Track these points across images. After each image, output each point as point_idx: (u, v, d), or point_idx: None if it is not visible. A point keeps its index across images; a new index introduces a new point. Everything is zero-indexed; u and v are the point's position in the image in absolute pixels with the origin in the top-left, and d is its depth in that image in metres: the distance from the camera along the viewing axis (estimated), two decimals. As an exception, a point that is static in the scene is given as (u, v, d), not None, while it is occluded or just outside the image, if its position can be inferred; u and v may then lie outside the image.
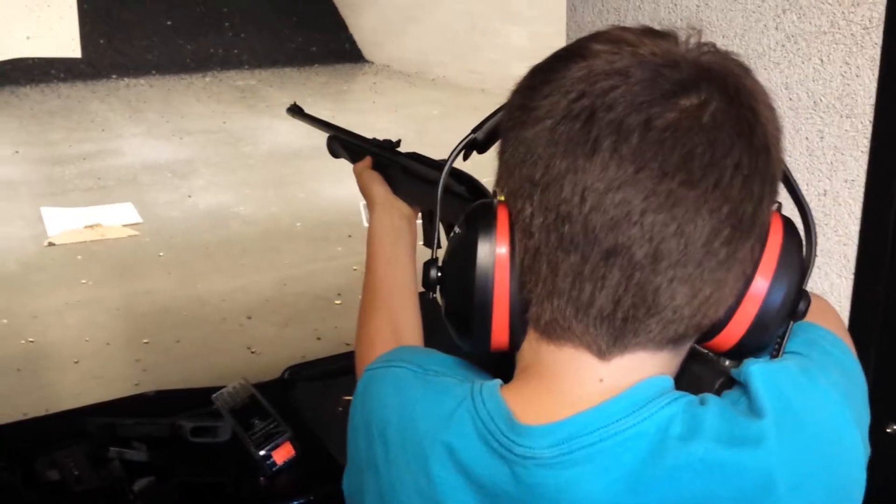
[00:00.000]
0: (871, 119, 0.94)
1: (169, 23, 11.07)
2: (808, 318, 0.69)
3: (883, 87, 0.92)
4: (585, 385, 0.56)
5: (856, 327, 1.00)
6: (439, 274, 0.62)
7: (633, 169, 0.52)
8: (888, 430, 0.97)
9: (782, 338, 0.62)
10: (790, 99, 1.03)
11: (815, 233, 0.65)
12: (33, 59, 9.96)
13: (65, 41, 4.32)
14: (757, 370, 0.57)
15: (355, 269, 4.02)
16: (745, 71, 0.58)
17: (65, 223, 4.90)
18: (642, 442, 0.54)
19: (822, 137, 1.00)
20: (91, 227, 4.85)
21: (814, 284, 1.05)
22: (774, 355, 0.61)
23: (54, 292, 4.02)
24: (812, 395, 0.58)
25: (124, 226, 4.91)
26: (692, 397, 0.56)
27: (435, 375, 0.63)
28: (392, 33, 10.70)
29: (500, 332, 0.58)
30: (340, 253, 4.41)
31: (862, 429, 0.60)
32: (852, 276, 1.00)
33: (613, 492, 0.53)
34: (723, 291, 0.56)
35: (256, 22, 11.25)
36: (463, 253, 0.58)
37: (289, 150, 6.58)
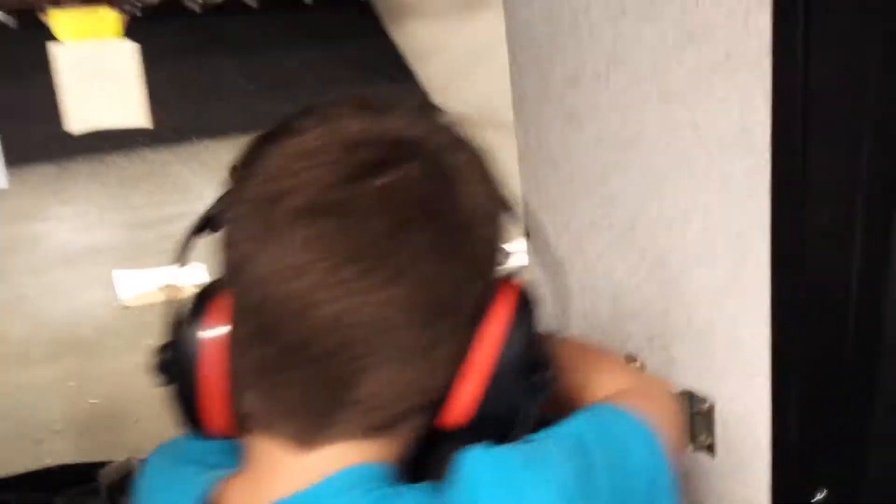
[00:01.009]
0: (770, 156, 0.89)
1: (247, 85, 11.57)
2: (629, 399, 0.67)
3: (776, 120, 0.87)
4: (283, 476, 0.55)
5: (777, 380, 0.93)
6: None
7: (314, 256, 0.51)
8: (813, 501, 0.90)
9: (526, 417, 0.59)
10: (699, 137, 0.98)
11: (566, 299, 0.62)
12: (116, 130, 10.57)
13: (133, 112, 4.54)
14: (469, 457, 0.54)
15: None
16: (460, 145, 0.56)
17: (139, 285, 5.12)
18: None
19: (731, 177, 0.95)
20: (166, 288, 5.04)
21: (733, 333, 1.00)
22: (517, 437, 0.59)
23: (124, 354, 4.19)
24: (519, 490, 0.54)
25: (196, 286, 5.07)
26: (389, 489, 0.54)
27: (184, 464, 0.62)
28: (459, 78, 10.84)
29: (213, 419, 0.57)
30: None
31: None
32: (768, 326, 0.94)
33: None
34: (432, 374, 0.54)
35: (328, 79, 11.61)
36: (177, 338, 0.58)
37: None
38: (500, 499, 0.54)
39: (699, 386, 1.08)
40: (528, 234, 1.48)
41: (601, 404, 0.68)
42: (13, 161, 9.80)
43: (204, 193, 8.06)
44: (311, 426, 0.55)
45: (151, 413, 3.58)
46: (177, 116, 11.24)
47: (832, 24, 0.80)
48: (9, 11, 8.09)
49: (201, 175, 8.93)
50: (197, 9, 10.06)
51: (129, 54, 5.32)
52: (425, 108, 0.61)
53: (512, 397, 0.59)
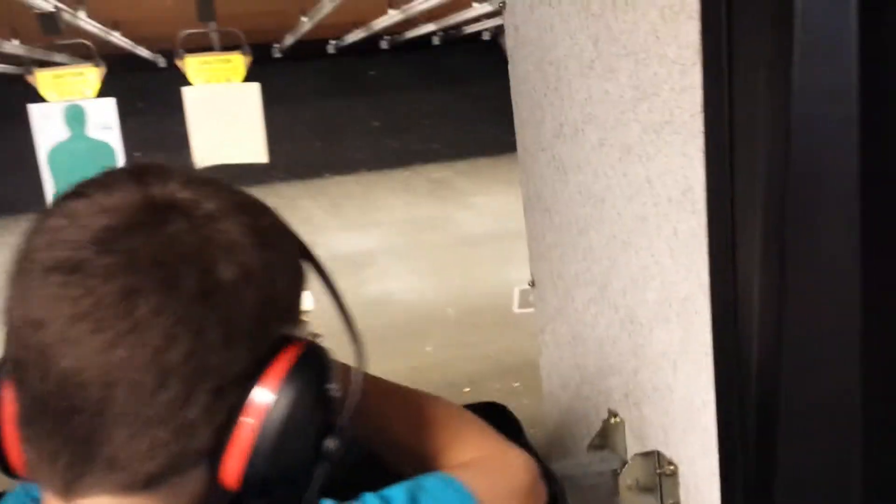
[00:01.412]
0: (706, 215, 0.86)
1: (376, 123, 11.98)
2: (471, 470, 0.66)
3: (709, 180, 0.85)
4: None
5: (723, 445, 0.90)
6: None
7: (56, 311, 0.54)
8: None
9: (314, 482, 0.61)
10: (653, 194, 0.96)
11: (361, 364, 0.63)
12: (257, 163, 11.18)
13: (254, 148, 4.82)
14: None
15: (489, 357, 4.05)
16: (237, 210, 0.58)
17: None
18: None
19: (676, 235, 0.93)
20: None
21: (688, 397, 0.96)
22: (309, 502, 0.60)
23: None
24: None
25: (297, 313, 5.28)
26: None
27: None
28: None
29: (13, 462, 0.61)
30: (479, 340, 4.46)
31: None
32: (713, 391, 0.90)
33: None
34: (191, 434, 0.56)
35: (456, 117, 11.85)
36: None
37: (463, 237, 6.80)
38: None
39: (666, 448, 1.05)
40: (532, 284, 1.48)
41: (433, 474, 0.69)
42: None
43: (324, 225, 8.39)
44: (67, 479, 0.56)
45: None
46: (309, 153, 11.82)
47: (755, 79, 0.78)
48: (157, 51, 8.76)
49: (325, 208, 9.29)
50: (332, 50, 10.54)
51: (251, 95, 5.67)
52: (202, 175, 0.64)
53: (292, 461, 0.60)
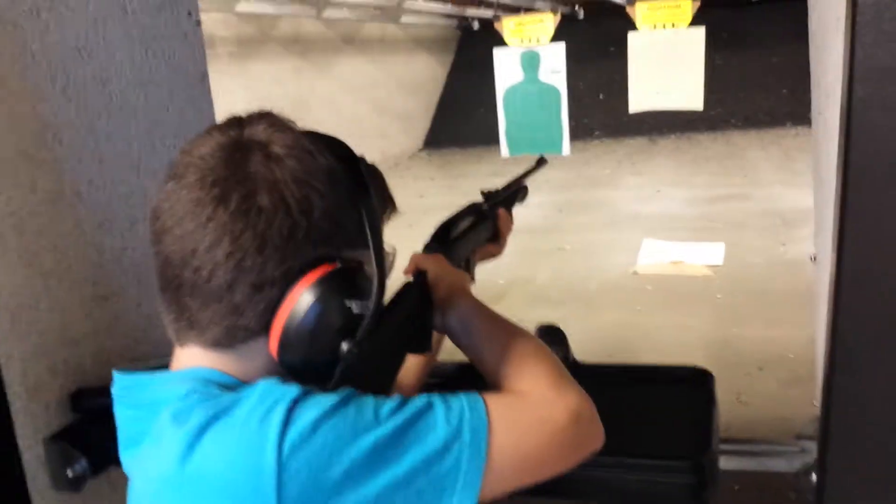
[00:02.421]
0: None
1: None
2: (504, 403, 0.79)
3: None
4: (173, 363, 0.83)
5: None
6: None
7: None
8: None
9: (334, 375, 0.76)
10: None
11: (381, 287, 0.73)
12: (718, 110, 10.93)
13: (691, 96, 4.83)
14: (259, 385, 0.73)
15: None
16: (305, 153, 0.76)
17: (656, 255, 5.48)
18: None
19: None
20: (675, 262, 5.32)
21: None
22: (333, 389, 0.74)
23: (605, 311, 4.62)
24: (273, 393, 0.71)
25: (705, 265, 5.24)
26: (213, 389, 0.75)
27: None
28: None
29: None
30: None
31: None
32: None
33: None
34: (238, 312, 0.75)
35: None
36: None
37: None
38: (252, 394, 0.72)
39: None
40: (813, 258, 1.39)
41: (472, 392, 0.78)
42: (614, 134, 11.01)
43: (765, 178, 7.97)
44: (175, 331, 0.79)
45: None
46: (771, 101, 11.16)
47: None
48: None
49: (773, 160, 8.79)
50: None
51: (696, 40, 5.59)
52: (291, 125, 0.80)
53: (312, 352, 0.76)
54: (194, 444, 0.70)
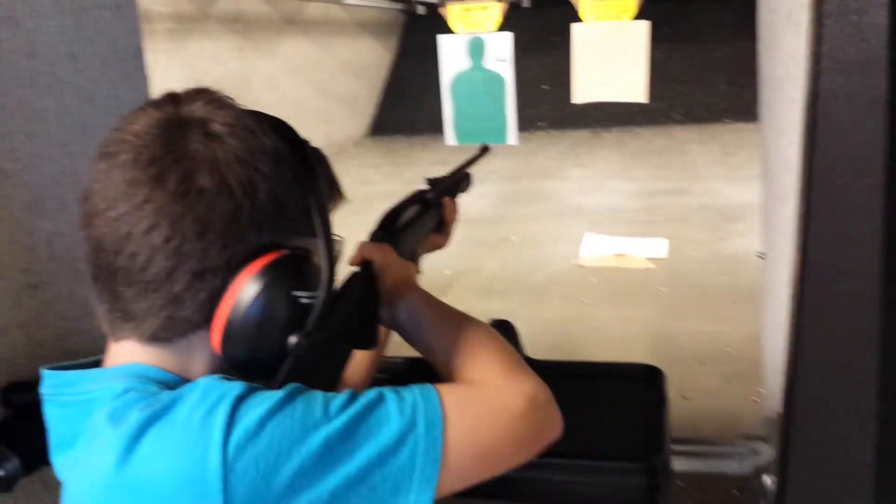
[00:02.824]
0: None
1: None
2: (460, 393, 0.76)
3: None
4: (107, 359, 0.77)
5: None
6: None
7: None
8: None
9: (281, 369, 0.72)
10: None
11: (331, 276, 0.69)
12: (659, 104, 11.07)
13: (634, 88, 4.84)
14: (201, 382, 0.69)
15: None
16: (218, 133, 0.71)
17: (598, 249, 5.52)
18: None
19: None
20: (618, 255, 5.37)
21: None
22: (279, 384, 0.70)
23: (550, 304, 4.64)
24: (215, 390, 0.66)
25: (647, 259, 5.29)
26: (150, 385, 0.70)
27: None
28: None
29: None
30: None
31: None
32: None
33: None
34: (178, 304, 0.70)
35: None
36: None
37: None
38: (192, 392, 0.67)
39: None
40: (761, 255, 1.39)
41: (424, 384, 0.74)
42: (559, 125, 11.08)
43: (706, 173, 8.11)
44: (108, 323, 0.74)
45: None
46: (711, 96, 11.35)
47: None
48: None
49: (713, 155, 8.94)
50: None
51: (640, 33, 5.63)
52: (231, 103, 0.76)
53: (256, 345, 0.71)
54: (133, 447, 0.65)
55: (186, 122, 0.71)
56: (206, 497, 0.62)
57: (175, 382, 0.72)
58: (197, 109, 0.72)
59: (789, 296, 0.83)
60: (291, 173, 0.75)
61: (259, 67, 9.23)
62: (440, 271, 5.12)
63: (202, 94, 0.74)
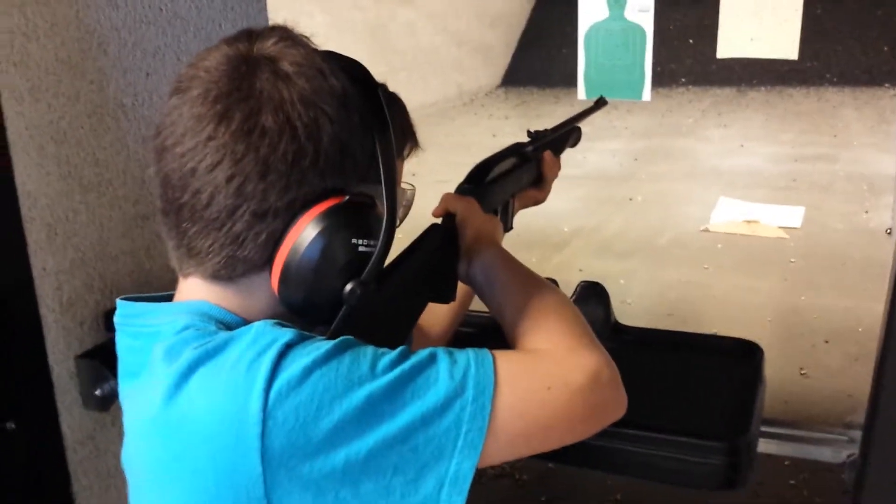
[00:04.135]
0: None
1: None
2: (519, 361, 0.73)
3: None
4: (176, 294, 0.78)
5: None
6: None
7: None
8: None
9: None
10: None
11: (392, 226, 0.67)
12: (813, 64, 10.38)
13: (785, 44, 4.57)
14: (254, 326, 0.68)
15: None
16: (286, 72, 0.70)
17: (730, 214, 5.28)
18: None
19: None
20: (749, 222, 5.12)
21: None
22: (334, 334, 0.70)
23: (672, 268, 4.48)
24: (266, 335, 0.66)
25: (780, 227, 5.02)
26: (210, 325, 0.71)
27: None
28: None
29: None
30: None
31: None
32: None
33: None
34: (237, 243, 0.70)
35: None
36: None
37: None
38: (245, 335, 0.67)
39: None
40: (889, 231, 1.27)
41: (482, 349, 0.72)
42: (701, 82, 10.59)
43: (858, 140, 7.57)
44: (176, 258, 0.75)
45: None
46: (871, 58, 10.52)
47: None
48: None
49: (866, 122, 8.33)
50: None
51: (795, -13, 5.27)
52: (306, 43, 0.74)
53: (313, 291, 0.71)
54: (181, 385, 0.66)
55: (256, 60, 0.70)
56: (244, 441, 0.63)
57: (236, 323, 0.73)
58: (268, 47, 0.72)
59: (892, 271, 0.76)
60: (359, 117, 0.73)
61: (397, 15, 9.27)
62: (559, 228, 5.05)
63: (276, 32, 0.73)
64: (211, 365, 0.66)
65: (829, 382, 3.14)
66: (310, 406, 0.64)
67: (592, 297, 1.26)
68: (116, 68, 1.28)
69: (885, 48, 10.20)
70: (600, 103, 1.50)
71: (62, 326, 1.22)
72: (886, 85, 9.95)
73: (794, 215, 5.22)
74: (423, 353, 0.69)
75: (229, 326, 0.72)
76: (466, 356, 0.70)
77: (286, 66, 0.70)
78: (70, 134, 1.21)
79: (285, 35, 0.73)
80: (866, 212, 5.33)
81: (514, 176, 1.11)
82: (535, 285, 0.87)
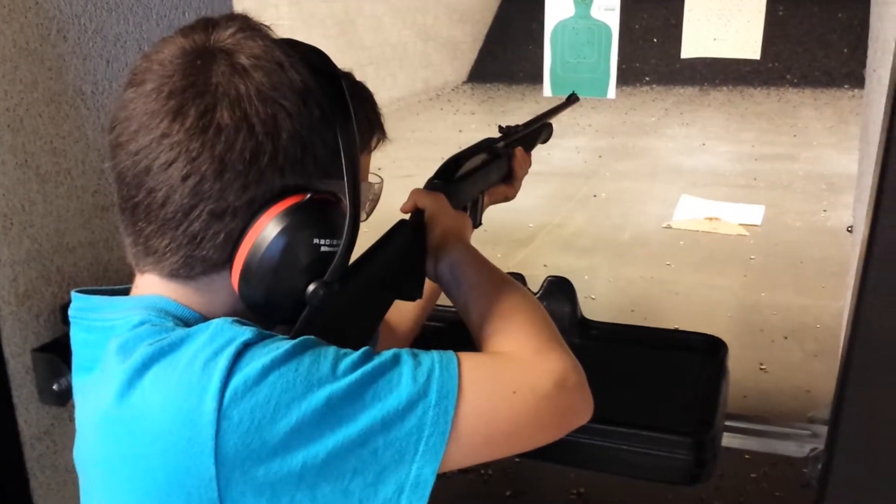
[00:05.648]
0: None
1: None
2: (484, 366, 0.72)
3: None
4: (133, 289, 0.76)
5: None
6: None
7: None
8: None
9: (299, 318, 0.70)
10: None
11: (355, 224, 0.66)
12: (774, 65, 10.55)
13: (747, 44, 4.62)
14: (212, 323, 0.66)
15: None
16: (244, 66, 0.67)
17: (692, 211, 5.34)
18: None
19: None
20: (710, 219, 5.18)
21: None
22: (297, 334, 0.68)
23: (634, 264, 4.52)
24: (224, 333, 0.64)
25: (740, 224, 5.09)
26: (166, 320, 0.69)
27: None
28: None
29: None
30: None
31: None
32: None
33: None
34: (195, 243, 0.68)
35: None
36: None
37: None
38: (202, 333, 0.65)
39: None
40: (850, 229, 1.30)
41: (447, 352, 0.71)
42: (665, 81, 10.69)
43: (816, 140, 7.70)
44: (133, 256, 0.73)
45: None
46: (832, 60, 10.73)
47: None
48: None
49: (825, 122, 8.48)
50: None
51: (758, -13, 5.36)
52: (266, 33, 0.71)
53: (274, 290, 0.69)
54: (135, 382, 0.64)
55: (212, 53, 0.68)
56: (198, 441, 0.61)
57: (195, 319, 0.71)
58: (226, 39, 0.69)
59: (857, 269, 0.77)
60: (320, 111, 0.71)
61: (364, 8, 9.22)
62: (523, 224, 5.07)
63: (235, 21, 0.71)
64: (166, 362, 0.64)
65: (788, 378, 3.19)
66: (267, 407, 0.62)
67: (559, 292, 1.26)
68: (76, 55, 1.25)
69: (845, 50, 10.41)
70: (572, 99, 1.50)
71: (18, 319, 1.19)
72: (846, 86, 10.15)
73: (754, 213, 5.30)
74: (386, 355, 0.68)
75: (187, 323, 0.70)
76: (431, 359, 0.69)
77: (243, 60, 0.68)
78: (27, 122, 1.18)
79: (244, 25, 0.71)
80: (825, 210, 5.43)
81: (485, 172, 1.10)
82: (503, 285, 0.86)
